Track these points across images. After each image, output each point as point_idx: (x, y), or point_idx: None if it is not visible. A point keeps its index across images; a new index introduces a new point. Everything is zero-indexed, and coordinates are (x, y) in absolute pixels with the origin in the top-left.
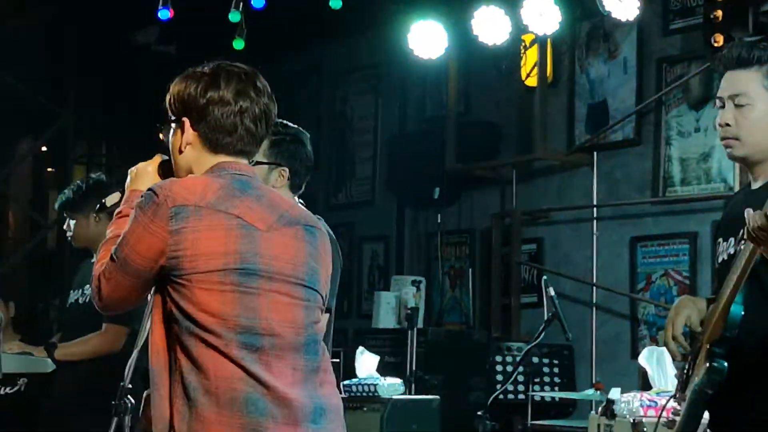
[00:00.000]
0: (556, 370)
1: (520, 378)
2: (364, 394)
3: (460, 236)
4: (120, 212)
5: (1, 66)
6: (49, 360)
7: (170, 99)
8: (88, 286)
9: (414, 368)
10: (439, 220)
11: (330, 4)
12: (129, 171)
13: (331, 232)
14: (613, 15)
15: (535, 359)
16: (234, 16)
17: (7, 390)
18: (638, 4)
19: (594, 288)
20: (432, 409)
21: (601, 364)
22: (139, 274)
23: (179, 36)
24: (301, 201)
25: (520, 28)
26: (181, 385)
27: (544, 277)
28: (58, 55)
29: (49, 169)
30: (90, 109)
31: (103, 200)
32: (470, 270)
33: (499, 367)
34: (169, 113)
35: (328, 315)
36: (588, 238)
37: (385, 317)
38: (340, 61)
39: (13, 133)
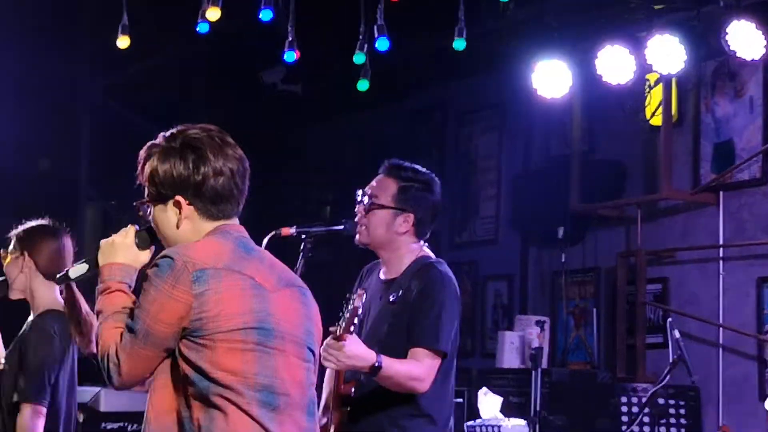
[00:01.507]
0: (682, 411)
1: (646, 419)
2: None
3: (584, 275)
4: (107, 288)
5: (129, 105)
6: None
7: (154, 179)
8: None
9: (538, 409)
10: (563, 260)
11: (453, 45)
12: (101, 243)
13: (449, 273)
14: (739, 54)
15: (661, 400)
16: (359, 58)
17: (135, 427)
18: (765, 42)
19: (720, 329)
20: None
21: (728, 405)
22: (163, 342)
23: (305, 76)
24: (426, 242)
25: (644, 68)
26: None
27: (669, 319)
28: (187, 94)
29: None
30: None
31: (66, 271)
32: (594, 309)
33: (624, 408)
34: (154, 191)
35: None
36: (714, 278)
37: (509, 357)
38: (464, 100)
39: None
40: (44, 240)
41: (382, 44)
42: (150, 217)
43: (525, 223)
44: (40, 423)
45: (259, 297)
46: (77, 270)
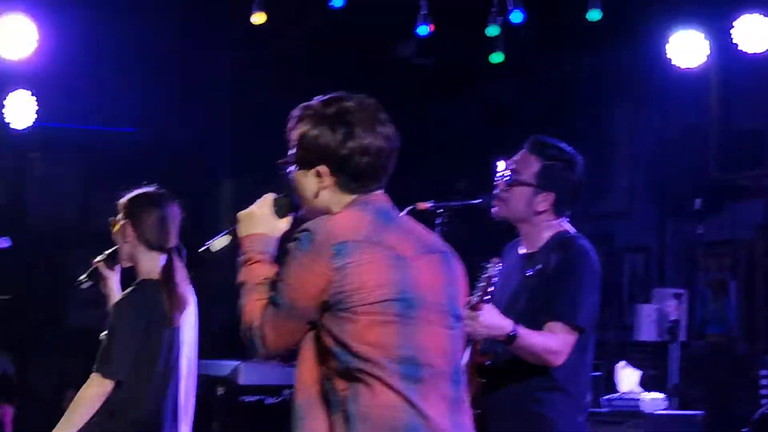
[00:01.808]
0: None
1: None
2: (626, 409)
3: (722, 247)
4: (249, 259)
5: (266, 80)
6: None
7: (302, 142)
8: None
9: (676, 382)
10: (700, 231)
11: (587, 15)
12: (239, 215)
13: (589, 247)
14: None
15: None
16: (492, 30)
17: (272, 400)
18: None
19: None
20: (695, 423)
21: None
22: (306, 315)
23: (438, 49)
24: (567, 219)
25: None
26: (342, 415)
27: None
28: (320, 68)
29: None
30: None
31: (208, 245)
32: (733, 281)
33: (764, 381)
34: (300, 155)
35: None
36: None
37: (646, 330)
38: (598, 71)
39: (279, 148)
40: (147, 209)
41: (516, 17)
42: (291, 177)
43: (662, 194)
44: (97, 391)
45: (399, 267)
46: (219, 243)
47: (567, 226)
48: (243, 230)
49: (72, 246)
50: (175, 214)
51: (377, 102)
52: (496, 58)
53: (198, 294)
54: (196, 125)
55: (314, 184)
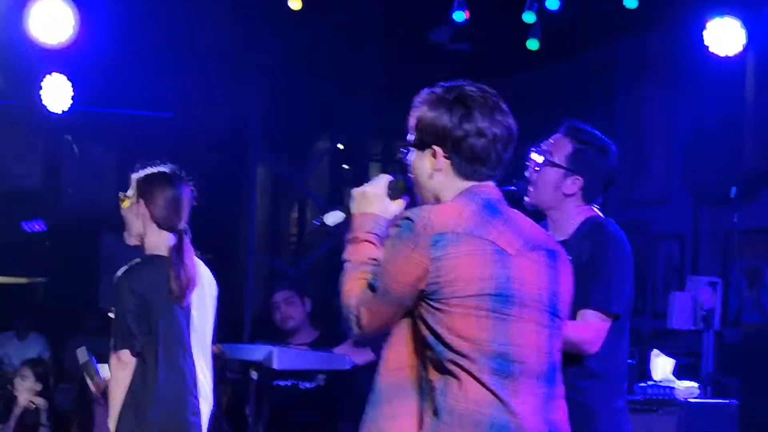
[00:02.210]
0: None
1: None
2: (659, 397)
3: (757, 235)
4: (356, 238)
5: (300, 66)
6: (347, 357)
7: (419, 124)
8: None
9: (710, 370)
10: (735, 219)
11: (624, 2)
12: (353, 192)
13: (620, 232)
14: None
15: None
16: (528, 17)
17: (307, 385)
18: None
19: None
20: (729, 413)
21: None
22: (401, 302)
23: (473, 35)
24: (597, 206)
25: None
26: (431, 402)
27: None
28: (356, 54)
29: (345, 167)
30: (387, 107)
31: (322, 217)
32: None
33: None
34: (417, 137)
35: (607, 323)
36: None
37: (680, 318)
38: (635, 58)
39: (312, 132)
40: (161, 188)
41: (553, 3)
42: (408, 161)
43: (697, 182)
44: (122, 369)
45: (499, 262)
46: (333, 217)
47: (597, 212)
48: (355, 208)
49: (107, 230)
50: (187, 195)
51: (498, 94)
52: (532, 44)
53: (231, 280)
54: (231, 111)
55: (429, 165)
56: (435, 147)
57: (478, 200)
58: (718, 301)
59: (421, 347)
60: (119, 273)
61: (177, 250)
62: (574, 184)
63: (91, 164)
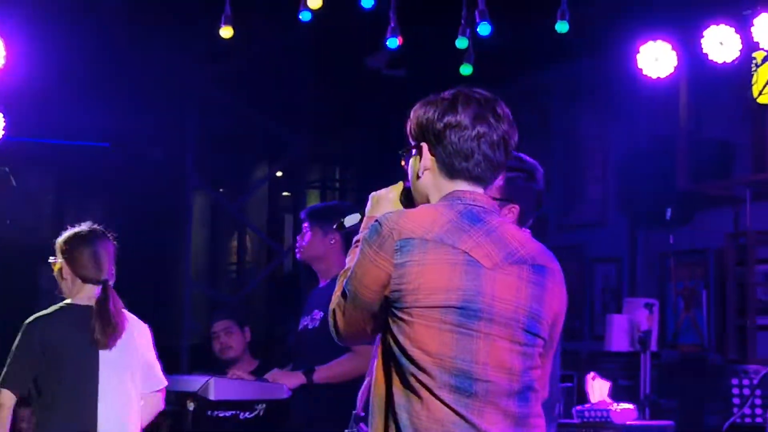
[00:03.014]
0: None
1: (758, 401)
2: (597, 420)
3: (693, 256)
4: (357, 241)
5: (237, 94)
6: (285, 386)
7: (410, 125)
8: (316, 311)
9: (648, 392)
10: (671, 241)
11: (556, 28)
12: (370, 196)
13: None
14: None
15: None
16: (461, 43)
17: (247, 415)
18: None
19: None
20: None
21: None
22: (369, 307)
23: (409, 61)
24: (529, 229)
25: (750, 46)
26: (394, 421)
27: None
28: (292, 82)
29: (284, 194)
30: (324, 134)
31: (342, 220)
32: (704, 291)
33: (735, 390)
34: (409, 139)
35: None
36: None
37: (618, 340)
38: (568, 82)
39: (250, 160)
40: (80, 247)
41: (484, 29)
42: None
43: (632, 204)
44: (5, 406)
45: (470, 274)
46: (351, 219)
47: (530, 236)
48: (369, 210)
49: (45, 261)
50: (109, 248)
51: (499, 100)
52: (465, 70)
53: (170, 310)
54: (167, 140)
55: (418, 163)
56: (422, 144)
57: (459, 206)
58: (654, 323)
59: (388, 360)
60: (31, 319)
61: (102, 300)
62: (510, 212)
63: (29, 195)
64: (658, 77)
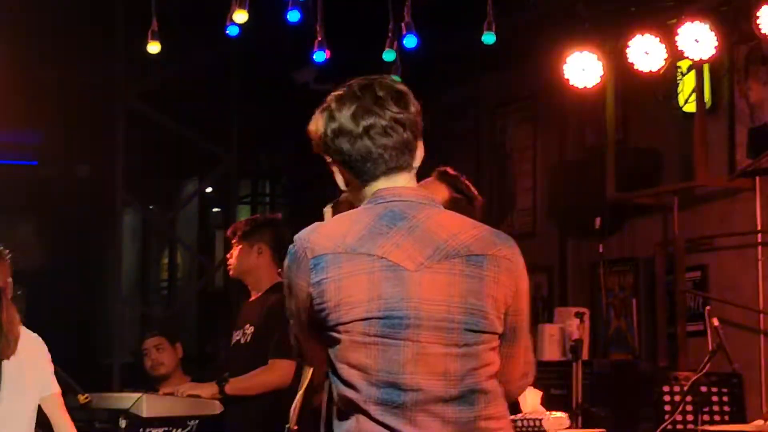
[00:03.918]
0: (725, 399)
1: (689, 408)
2: (529, 428)
3: (623, 265)
4: None
5: (164, 110)
6: (218, 402)
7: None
8: (248, 325)
9: (580, 401)
10: (601, 250)
11: (483, 39)
12: (324, 211)
13: None
14: None
15: (704, 389)
16: (388, 55)
17: (179, 431)
18: None
19: (761, 315)
20: None
21: None
22: (308, 328)
23: (336, 74)
24: None
25: (676, 55)
26: None
27: (707, 307)
28: (220, 97)
29: (214, 210)
30: (253, 149)
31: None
32: (634, 299)
33: (667, 398)
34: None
35: None
36: (753, 264)
37: (550, 349)
38: (497, 93)
39: (179, 175)
40: None
41: (410, 41)
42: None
43: (562, 214)
44: None
45: (391, 280)
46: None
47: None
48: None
49: None
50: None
51: (377, 79)
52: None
53: (100, 327)
54: (95, 157)
55: (338, 175)
56: (327, 159)
57: (379, 208)
58: (586, 332)
59: (330, 384)
60: None
61: None
62: None
63: None
64: (586, 87)
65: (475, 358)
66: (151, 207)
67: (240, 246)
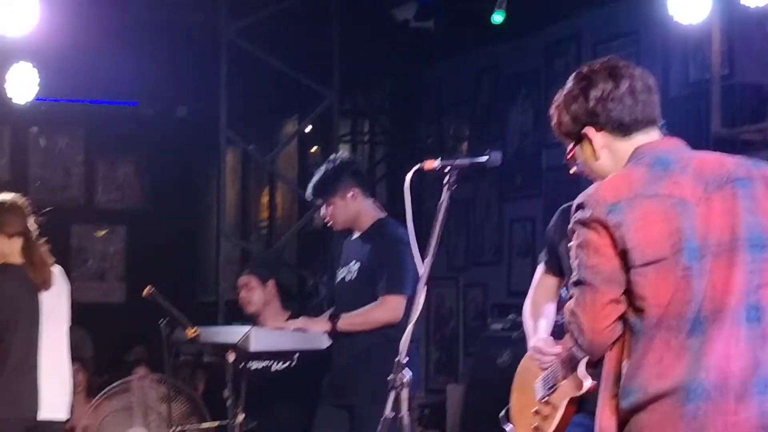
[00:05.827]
0: None
1: None
2: None
3: None
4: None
5: (266, 48)
6: (326, 336)
7: (560, 129)
8: (353, 262)
9: None
10: None
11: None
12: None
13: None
14: None
15: None
16: None
17: (279, 366)
18: None
19: None
20: None
21: None
22: (612, 276)
23: (437, 11)
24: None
25: None
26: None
27: None
28: (322, 35)
29: (313, 149)
30: (353, 87)
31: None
32: None
33: None
34: (568, 139)
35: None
36: None
37: None
38: (599, 29)
39: (279, 114)
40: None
41: None
42: (579, 167)
43: None
44: None
45: (682, 214)
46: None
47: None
48: None
49: (75, 220)
50: (24, 204)
51: (614, 59)
52: (497, 18)
53: (204, 263)
54: (196, 96)
55: (589, 148)
56: (584, 131)
57: (646, 160)
58: None
59: (625, 337)
60: None
61: (27, 252)
62: None
63: (58, 155)
64: (690, 23)
65: (758, 273)
66: (251, 146)
67: (331, 203)
